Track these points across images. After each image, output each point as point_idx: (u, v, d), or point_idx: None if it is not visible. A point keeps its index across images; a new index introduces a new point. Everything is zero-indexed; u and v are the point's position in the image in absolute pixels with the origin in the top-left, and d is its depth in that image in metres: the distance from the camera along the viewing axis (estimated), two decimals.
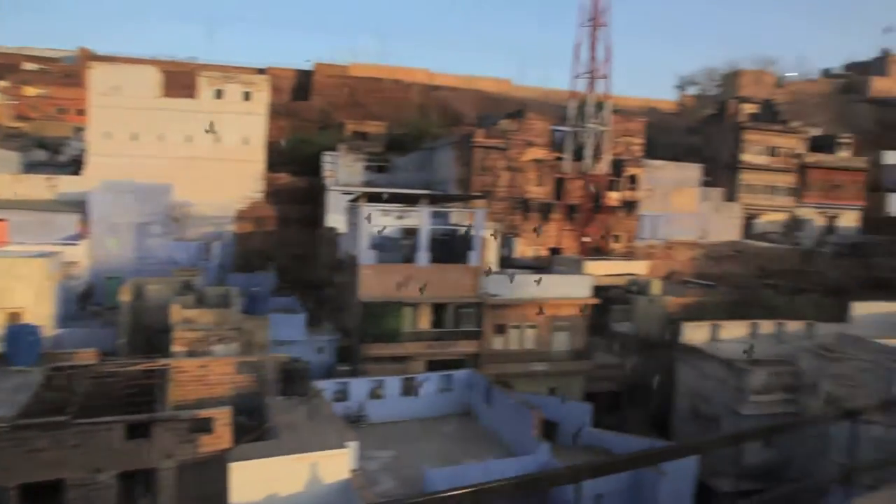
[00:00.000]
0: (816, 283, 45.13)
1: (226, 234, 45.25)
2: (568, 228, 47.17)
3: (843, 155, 60.03)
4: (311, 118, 68.12)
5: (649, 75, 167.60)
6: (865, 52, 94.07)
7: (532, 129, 46.63)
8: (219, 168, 45.47)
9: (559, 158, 46.96)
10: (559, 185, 47.12)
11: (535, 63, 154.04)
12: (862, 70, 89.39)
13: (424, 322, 31.32)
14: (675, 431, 32.22)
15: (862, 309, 33.52)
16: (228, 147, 46.42)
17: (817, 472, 23.57)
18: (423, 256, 31.17)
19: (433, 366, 30.18)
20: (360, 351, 30.13)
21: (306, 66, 77.53)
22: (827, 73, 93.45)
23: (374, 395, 26.64)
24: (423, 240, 31.27)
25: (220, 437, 15.21)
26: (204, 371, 18.29)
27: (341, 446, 15.40)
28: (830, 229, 57.42)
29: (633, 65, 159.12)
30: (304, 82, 76.87)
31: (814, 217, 57.72)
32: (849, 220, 58.34)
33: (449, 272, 31.53)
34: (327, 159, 47.89)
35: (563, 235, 47.03)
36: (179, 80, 53.88)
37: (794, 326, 32.83)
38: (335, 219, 41.56)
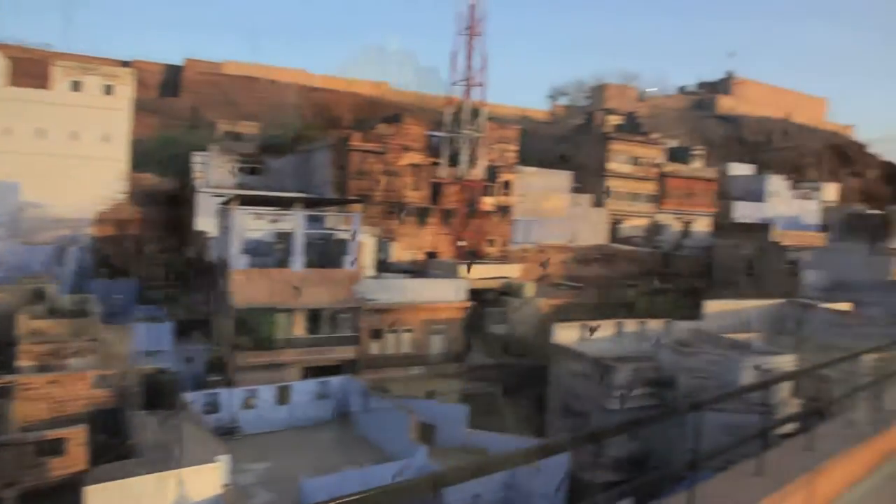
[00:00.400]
0: (674, 283, 48.48)
1: (83, 239, 42.07)
2: (444, 233, 47.80)
3: (697, 165, 64.97)
4: (180, 116, 64.95)
5: (523, 85, 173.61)
6: (714, 73, 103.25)
7: (409, 134, 46.90)
8: (76, 166, 42.18)
9: (435, 163, 47.53)
10: (436, 189, 47.69)
11: (413, 68, 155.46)
12: (711, 89, 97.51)
13: (299, 328, 30.64)
14: (549, 427, 33.44)
15: (713, 307, 36.35)
16: (87, 144, 43.21)
17: (675, 460, 25.23)
18: (297, 261, 30.50)
19: (309, 373, 29.59)
20: (233, 360, 28.99)
21: (176, 62, 73.97)
22: (682, 90, 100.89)
23: (248, 405, 25.72)
24: (298, 244, 30.62)
25: (74, 458, 14.10)
26: (55, 387, 16.88)
27: (212, 461, 14.73)
28: (686, 234, 61.89)
29: (508, 74, 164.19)
30: (173, 78, 73.16)
31: (672, 222, 61.99)
32: (702, 225, 63.15)
33: (324, 277, 31.05)
34: (198, 160, 45.78)
35: (440, 239, 47.62)
36: (30, 69, 49.68)
37: (654, 325, 35.03)
38: (206, 222, 39.75)
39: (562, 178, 55.76)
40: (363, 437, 25.85)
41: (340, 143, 45.80)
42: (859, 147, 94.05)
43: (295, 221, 30.97)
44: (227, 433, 24.19)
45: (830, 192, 75.35)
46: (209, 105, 67.29)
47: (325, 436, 26.03)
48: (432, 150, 47.90)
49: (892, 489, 6.20)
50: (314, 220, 33.94)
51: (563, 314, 37.11)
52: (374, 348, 32.48)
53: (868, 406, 7.41)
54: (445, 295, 34.34)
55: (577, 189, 57.11)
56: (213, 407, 24.82)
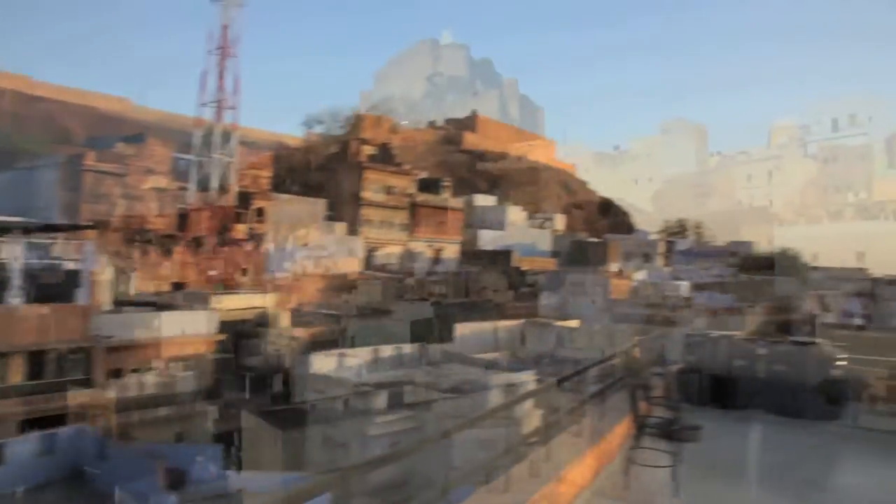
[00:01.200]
0: (428, 307, 50.66)
1: None
2: (193, 262, 44.97)
3: (445, 196, 69.18)
4: None
5: (278, 110, 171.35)
6: (461, 111, 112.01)
7: (153, 156, 43.70)
8: None
9: (183, 188, 44.75)
10: (183, 215, 44.82)
11: (159, 84, 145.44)
12: (459, 125, 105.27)
13: (17, 374, 26.57)
14: (310, 459, 32.69)
15: (463, 329, 38.57)
16: None
17: (435, 480, 26.19)
18: (15, 295, 26.57)
19: (31, 425, 25.67)
20: None
21: None
22: (432, 125, 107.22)
23: None
24: (16, 276, 26.73)
25: None
26: None
27: None
28: (437, 260, 65.32)
29: (262, 98, 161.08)
30: None
31: (424, 249, 65.05)
32: (451, 252, 67.14)
33: (50, 314, 27.40)
34: None
35: (188, 269, 44.68)
36: None
37: (410, 349, 36.16)
38: None
39: (316, 206, 55.70)
40: (102, 494, 22.96)
41: (72, 162, 41.23)
42: (582, 183, 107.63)
43: (11, 250, 27.03)
44: None
45: (559, 222, 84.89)
46: None
47: (52, 498, 22.69)
48: (180, 173, 45.06)
49: (613, 484, 7.13)
50: (37, 249, 29.92)
51: (321, 343, 36.82)
52: (114, 391, 29.27)
53: (593, 414, 8.40)
54: (194, 328, 32.27)
55: (332, 217, 57.44)
56: None
